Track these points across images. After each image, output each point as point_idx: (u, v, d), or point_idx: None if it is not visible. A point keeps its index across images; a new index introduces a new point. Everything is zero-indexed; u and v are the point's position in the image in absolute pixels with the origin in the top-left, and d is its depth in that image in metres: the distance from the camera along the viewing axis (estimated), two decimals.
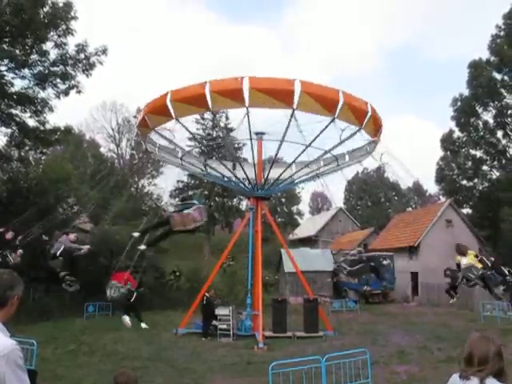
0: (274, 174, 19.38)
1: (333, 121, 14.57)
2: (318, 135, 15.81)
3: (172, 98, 14.45)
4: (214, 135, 45.72)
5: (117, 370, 9.75)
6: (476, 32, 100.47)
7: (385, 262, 27.24)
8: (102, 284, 24.50)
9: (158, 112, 15.19)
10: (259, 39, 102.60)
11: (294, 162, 18.91)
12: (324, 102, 14.25)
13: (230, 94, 14.11)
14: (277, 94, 14.04)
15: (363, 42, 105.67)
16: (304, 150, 17.25)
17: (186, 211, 9.68)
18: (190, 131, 18.61)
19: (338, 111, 14.28)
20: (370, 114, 14.96)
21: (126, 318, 11.31)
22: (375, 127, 16.09)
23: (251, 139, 17.13)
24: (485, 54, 36.89)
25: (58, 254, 10.30)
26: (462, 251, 11.75)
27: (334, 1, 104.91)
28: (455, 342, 12.47)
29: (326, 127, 15.14)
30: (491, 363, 2.81)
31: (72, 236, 10.87)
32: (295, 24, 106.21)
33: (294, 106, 14.14)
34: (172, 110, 14.56)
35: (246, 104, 14.09)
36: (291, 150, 17.93)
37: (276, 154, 18.33)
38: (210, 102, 14.05)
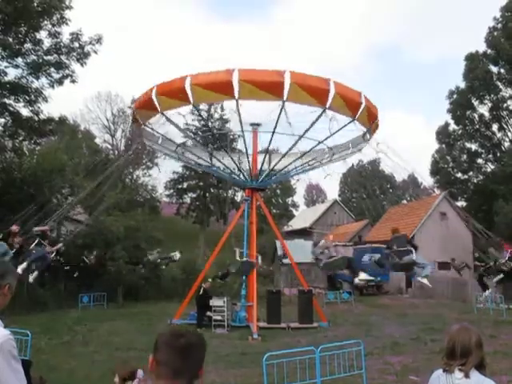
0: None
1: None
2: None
3: (192, 83, 14.02)
4: (210, 126, 45.54)
5: (112, 361, 9.73)
6: (467, 27, 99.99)
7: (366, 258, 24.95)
8: (96, 275, 24.43)
9: (172, 95, 14.71)
10: (248, 36, 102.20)
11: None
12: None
13: (266, 86, 13.85)
14: (313, 92, 13.92)
15: (351, 38, 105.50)
16: (297, 142, 17.23)
17: None
18: (203, 117, 18.12)
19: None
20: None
21: None
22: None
23: (273, 132, 16.24)
24: (480, 47, 36.84)
25: None
26: None
27: None
28: None
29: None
30: (473, 354, 2.81)
31: None
32: (283, 22, 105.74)
33: (327, 105, 14.11)
34: (190, 95, 14.15)
35: (284, 98, 13.86)
36: (290, 142, 17.76)
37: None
38: (236, 90, 13.75)
